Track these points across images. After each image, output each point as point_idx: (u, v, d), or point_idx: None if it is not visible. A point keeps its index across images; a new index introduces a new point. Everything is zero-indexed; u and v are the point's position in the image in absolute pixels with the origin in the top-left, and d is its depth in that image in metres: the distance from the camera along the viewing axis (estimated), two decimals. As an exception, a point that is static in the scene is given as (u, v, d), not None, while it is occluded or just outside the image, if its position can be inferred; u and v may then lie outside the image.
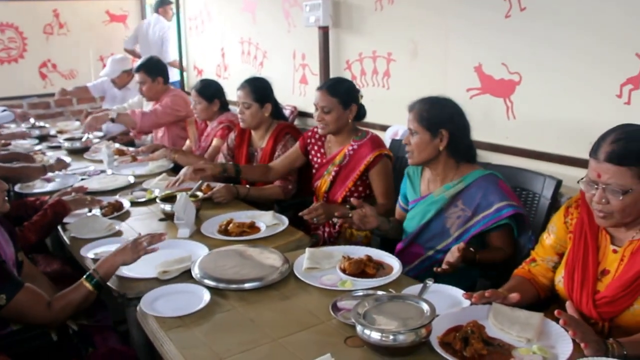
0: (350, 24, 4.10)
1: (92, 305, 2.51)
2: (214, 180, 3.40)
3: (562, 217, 2.05)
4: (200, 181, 3.14)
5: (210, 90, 3.99)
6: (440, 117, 2.44)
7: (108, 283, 2.25)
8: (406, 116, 2.54)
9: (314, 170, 3.27)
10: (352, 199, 2.61)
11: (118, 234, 2.77)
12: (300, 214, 2.77)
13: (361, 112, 3.12)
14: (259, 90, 3.43)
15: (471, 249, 2.26)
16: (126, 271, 2.32)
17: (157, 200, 2.96)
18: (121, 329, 2.52)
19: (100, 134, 4.44)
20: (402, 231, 2.67)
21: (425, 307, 1.77)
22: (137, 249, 2.22)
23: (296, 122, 4.61)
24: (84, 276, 2.16)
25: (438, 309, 1.77)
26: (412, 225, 2.56)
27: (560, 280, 1.99)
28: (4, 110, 4.83)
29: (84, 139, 4.50)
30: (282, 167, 3.33)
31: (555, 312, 1.64)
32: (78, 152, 4.37)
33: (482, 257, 2.31)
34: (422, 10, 3.55)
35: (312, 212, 2.74)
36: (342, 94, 3.04)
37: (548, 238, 2.10)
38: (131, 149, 4.25)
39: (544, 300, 2.08)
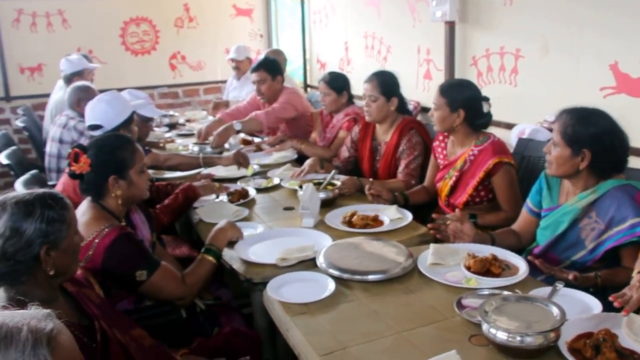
0: (478, 18, 4.01)
1: (214, 284, 2.65)
2: (336, 171, 3.44)
3: None
4: (333, 171, 3.22)
5: (339, 82, 4.04)
6: (584, 136, 2.23)
7: (234, 267, 2.37)
8: (533, 114, 2.45)
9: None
10: (456, 210, 2.55)
11: (245, 219, 2.87)
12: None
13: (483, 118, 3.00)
14: (386, 84, 3.44)
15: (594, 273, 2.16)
16: (252, 256, 2.41)
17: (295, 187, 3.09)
18: (245, 311, 2.62)
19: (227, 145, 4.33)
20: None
21: (554, 310, 1.72)
22: (238, 227, 2.50)
23: (419, 118, 4.58)
24: (203, 250, 2.37)
25: (567, 313, 1.71)
26: (546, 235, 2.40)
27: None
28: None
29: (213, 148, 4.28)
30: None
31: None
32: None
33: (604, 281, 2.17)
34: (554, 2, 3.42)
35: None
36: (455, 97, 2.93)
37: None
38: (256, 139, 4.37)
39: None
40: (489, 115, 2.98)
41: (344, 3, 5.95)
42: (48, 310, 0.92)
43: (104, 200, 2.31)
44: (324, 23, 6.46)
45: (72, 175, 2.32)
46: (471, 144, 2.95)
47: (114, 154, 2.32)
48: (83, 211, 2.26)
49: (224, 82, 6.34)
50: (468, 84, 3.06)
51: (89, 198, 2.33)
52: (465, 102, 2.91)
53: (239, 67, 5.98)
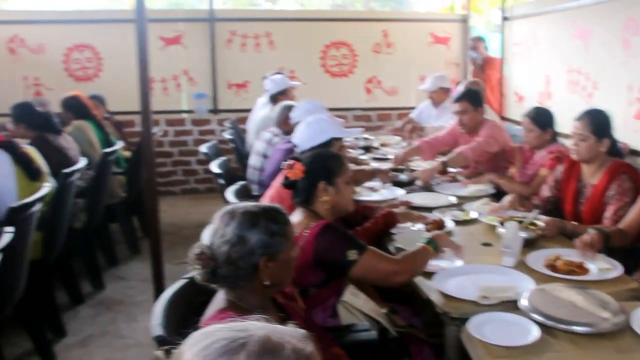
0: None
1: (406, 312, 2.67)
2: (538, 211, 3.33)
3: None
4: (536, 211, 3.13)
5: (544, 118, 3.91)
6: None
7: (431, 298, 2.37)
8: None
9: None
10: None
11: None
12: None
13: None
14: (598, 123, 3.26)
15: None
16: (451, 290, 2.40)
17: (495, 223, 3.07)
18: (433, 341, 2.61)
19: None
20: None
21: None
22: (450, 241, 2.59)
23: (627, 161, 4.30)
24: (424, 241, 2.50)
25: None
26: None
27: None
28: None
29: (407, 172, 4.27)
30: None
31: None
32: (402, 185, 4.10)
33: None
34: None
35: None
36: None
37: None
38: (452, 169, 4.35)
39: None
40: None
41: (549, 35, 5.76)
42: (304, 331, 0.98)
43: (313, 205, 2.52)
44: (524, 55, 6.30)
45: (287, 185, 2.55)
46: None
47: (325, 162, 2.55)
48: (294, 217, 2.43)
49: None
50: None
51: (300, 208, 2.52)
52: None
53: (433, 97, 5.99)
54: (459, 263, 2.68)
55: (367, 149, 5.44)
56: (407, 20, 7.85)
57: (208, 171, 7.21)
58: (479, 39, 7.02)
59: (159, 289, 3.61)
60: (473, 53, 6.93)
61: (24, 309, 3.47)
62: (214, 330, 0.94)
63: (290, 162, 2.56)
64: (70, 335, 3.93)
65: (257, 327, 0.94)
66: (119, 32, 6.99)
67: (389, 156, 4.94)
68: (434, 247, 2.49)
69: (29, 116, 4.40)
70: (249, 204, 1.79)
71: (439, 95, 5.95)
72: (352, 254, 2.33)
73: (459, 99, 4.48)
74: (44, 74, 7.14)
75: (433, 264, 2.56)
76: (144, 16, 3.31)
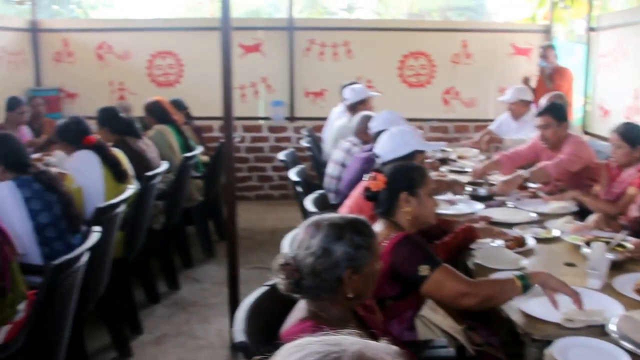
0: None
1: (484, 330, 2.61)
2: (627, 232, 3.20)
3: None
4: (624, 232, 3.00)
5: (634, 135, 3.73)
6: None
7: (512, 318, 2.30)
8: None
9: None
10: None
11: (522, 269, 2.78)
12: None
13: None
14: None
15: None
16: (533, 310, 2.32)
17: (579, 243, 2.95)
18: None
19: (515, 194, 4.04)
20: None
21: None
22: (563, 284, 2.28)
23: None
24: (516, 274, 2.31)
25: None
26: None
27: None
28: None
29: (485, 187, 4.21)
30: None
31: None
32: (481, 200, 4.01)
33: None
34: None
35: None
36: None
37: None
38: (532, 185, 4.23)
39: None
40: None
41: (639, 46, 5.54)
42: (396, 348, 0.96)
43: (395, 216, 2.50)
44: (611, 67, 6.08)
45: (369, 197, 2.54)
46: None
47: (407, 173, 2.54)
48: (375, 227, 2.41)
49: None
50: None
51: (381, 219, 2.50)
52: None
53: (512, 109, 5.85)
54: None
55: (444, 161, 5.36)
56: (488, 31, 7.70)
57: (283, 178, 7.36)
58: (550, 47, 6.80)
59: (234, 293, 3.67)
60: (543, 62, 6.73)
61: (105, 305, 3.59)
62: (307, 343, 0.93)
63: (372, 174, 2.55)
64: (146, 332, 4.04)
65: (350, 342, 0.93)
66: (201, 40, 7.18)
67: (467, 169, 4.85)
68: (525, 284, 2.27)
69: (113, 120, 4.55)
70: (334, 216, 1.79)
71: (519, 108, 5.79)
72: (424, 269, 2.28)
73: (541, 113, 4.34)
74: (128, 79, 7.40)
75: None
76: (229, 25, 3.37)
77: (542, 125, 4.29)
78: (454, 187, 4.01)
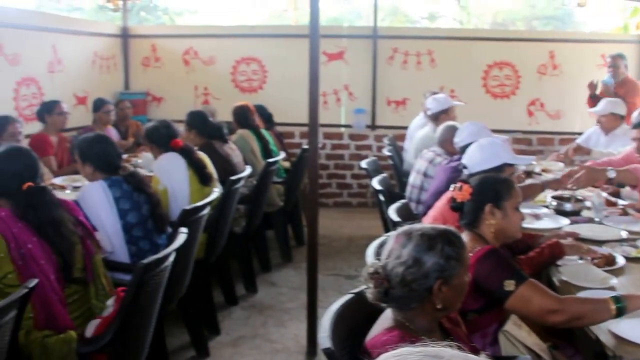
0: None
1: (569, 349, 2.52)
2: None
3: None
4: None
5: None
6: None
7: (601, 338, 2.22)
8: None
9: None
10: None
11: (611, 288, 2.67)
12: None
13: None
14: None
15: None
16: (624, 332, 2.23)
17: None
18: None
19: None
20: None
21: None
22: None
23: None
24: (611, 296, 2.20)
25: None
26: None
27: None
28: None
29: (572, 202, 4.02)
30: None
31: None
32: (567, 214, 3.85)
33: None
34: None
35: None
36: None
37: None
38: (621, 202, 4.06)
39: None
40: None
41: None
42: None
43: (479, 228, 2.46)
44: None
45: (454, 207, 2.52)
46: None
47: (493, 185, 2.50)
48: None
49: (581, 134, 6.02)
50: None
51: (465, 231, 2.46)
52: None
53: (602, 121, 5.62)
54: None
55: (529, 174, 5.21)
56: (576, 41, 7.47)
57: (362, 185, 7.37)
58: (620, 57, 6.46)
59: (312, 299, 3.69)
60: (610, 79, 6.39)
61: (186, 305, 3.69)
62: (406, 354, 0.93)
63: (458, 184, 2.53)
64: (224, 333, 4.12)
65: (450, 354, 0.92)
66: (285, 47, 7.28)
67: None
68: (619, 307, 2.14)
69: (202, 124, 4.68)
70: (425, 226, 1.78)
71: (609, 121, 5.56)
72: (510, 285, 2.22)
73: (638, 125, 4.17)
74: (212, 84, 7.59)
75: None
76: (317, 32, 3.41)
77: (637, 138, 4.12)
78: (549, 185, 3.95)
